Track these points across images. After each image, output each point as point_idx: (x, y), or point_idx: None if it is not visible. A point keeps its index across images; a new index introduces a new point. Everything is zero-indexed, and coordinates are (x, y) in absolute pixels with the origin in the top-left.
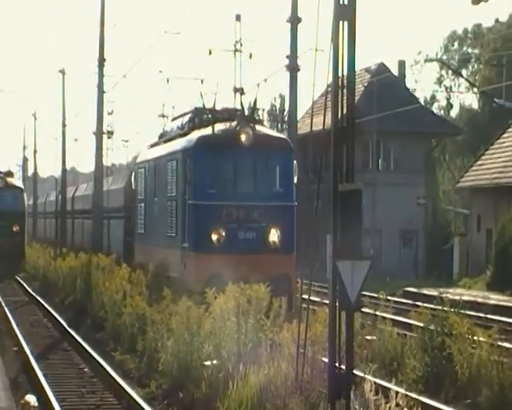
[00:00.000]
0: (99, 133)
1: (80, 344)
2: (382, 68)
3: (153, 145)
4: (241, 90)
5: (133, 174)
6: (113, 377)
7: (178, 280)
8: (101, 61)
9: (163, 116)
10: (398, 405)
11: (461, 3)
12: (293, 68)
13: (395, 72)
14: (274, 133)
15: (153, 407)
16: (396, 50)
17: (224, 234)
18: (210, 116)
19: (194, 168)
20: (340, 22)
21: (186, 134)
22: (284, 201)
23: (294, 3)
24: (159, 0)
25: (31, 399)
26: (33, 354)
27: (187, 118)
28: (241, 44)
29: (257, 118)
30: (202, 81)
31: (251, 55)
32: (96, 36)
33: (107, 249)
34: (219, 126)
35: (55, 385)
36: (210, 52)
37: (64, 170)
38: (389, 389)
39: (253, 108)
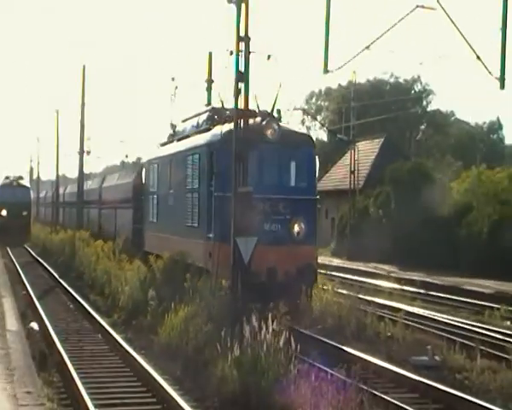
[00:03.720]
0: (81, 151)
1: (67, 289)
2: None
3: (163, 144)
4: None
5: (143, 170)
6: (88, 311)
7: (203, 268)
8: None
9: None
10: (273, 330)
11: (317, 72)
12: None
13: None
14: (297, 130)
15: (115, 329)
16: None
17: None
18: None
19: (221, 161)
20: (240, 83)
21: (206, 130)
22: (307, 194)
23: (209, 69)
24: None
25: (34, 325)
26: (36, 295)
27: (204, 116)
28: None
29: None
30: (212, 81)
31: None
32: None
33: (114, 234)
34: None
35: (50, 316)
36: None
37: (57, 176)
38: (267, 319)
39: (273, 106)
